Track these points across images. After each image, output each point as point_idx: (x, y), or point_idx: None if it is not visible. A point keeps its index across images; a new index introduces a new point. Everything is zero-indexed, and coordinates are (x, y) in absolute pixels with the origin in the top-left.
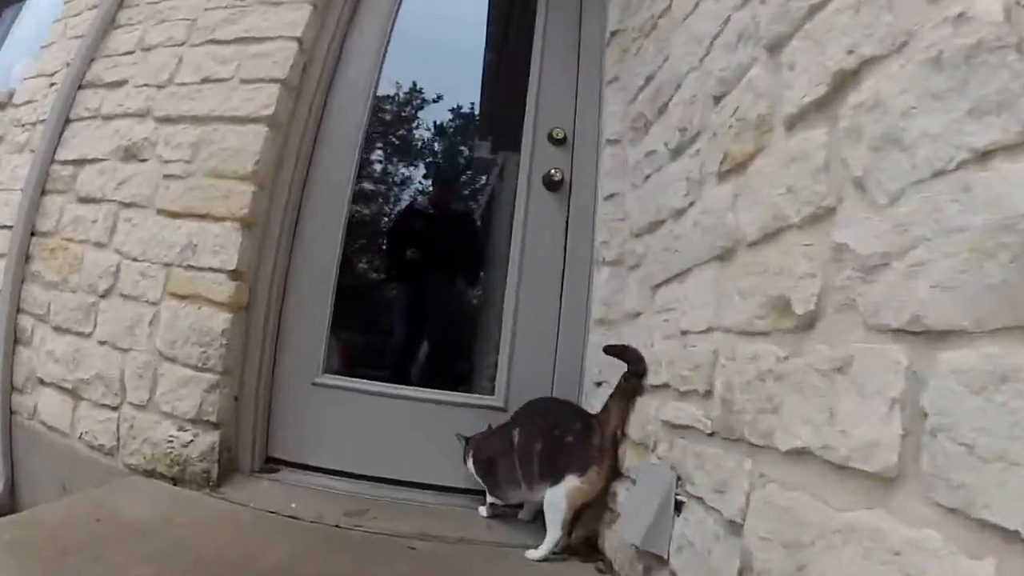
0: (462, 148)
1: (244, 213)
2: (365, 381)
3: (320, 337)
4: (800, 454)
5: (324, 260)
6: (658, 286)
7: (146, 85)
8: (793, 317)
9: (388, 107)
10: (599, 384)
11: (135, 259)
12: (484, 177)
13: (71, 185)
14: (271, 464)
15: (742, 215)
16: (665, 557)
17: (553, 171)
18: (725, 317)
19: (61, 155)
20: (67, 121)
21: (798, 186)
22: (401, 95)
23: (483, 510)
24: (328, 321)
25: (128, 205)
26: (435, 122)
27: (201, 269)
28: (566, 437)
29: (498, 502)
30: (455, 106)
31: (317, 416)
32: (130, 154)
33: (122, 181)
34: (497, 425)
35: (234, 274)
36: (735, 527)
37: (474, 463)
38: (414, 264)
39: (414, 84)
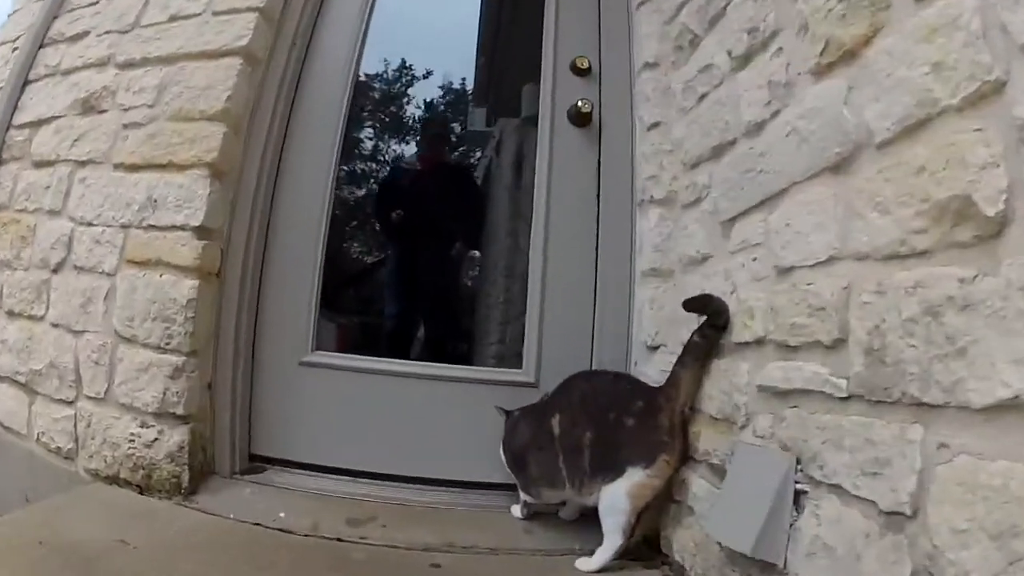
0: (455, 124)
1: (213, 158)
2: (364, 358)
3: (308, 307)
4: (1008, 409)
5: (310, 217)
6: (733, 220)
7: (108, 32)
8: (975, 224)
9: (377, 85)
10: (655, 348)
11: (89, 224)
12: (479, 151)
13: (26, 150)
14: (255, 463)
15: (865, 111)
16: (781, 565)
17: (580, 103)
18: (856, 241)
19: (18, 119)
20: (26, 83)
21: (949, 61)
22: (390, 72)
23: (516, 510)
24: (316, 287)
25: (83, 164)
26: (425, 100)
27: (162, 228)
28: (625, 420)
29: (532, 501)
30: (447, 83)
31: (308, 403)
32: (88, 106)
33: (78, 138)
34: (530, 404)
35: (201, 232)
36: (898, 520)
37: (504, 450)
38: (403, 228)
39: (403, 61)
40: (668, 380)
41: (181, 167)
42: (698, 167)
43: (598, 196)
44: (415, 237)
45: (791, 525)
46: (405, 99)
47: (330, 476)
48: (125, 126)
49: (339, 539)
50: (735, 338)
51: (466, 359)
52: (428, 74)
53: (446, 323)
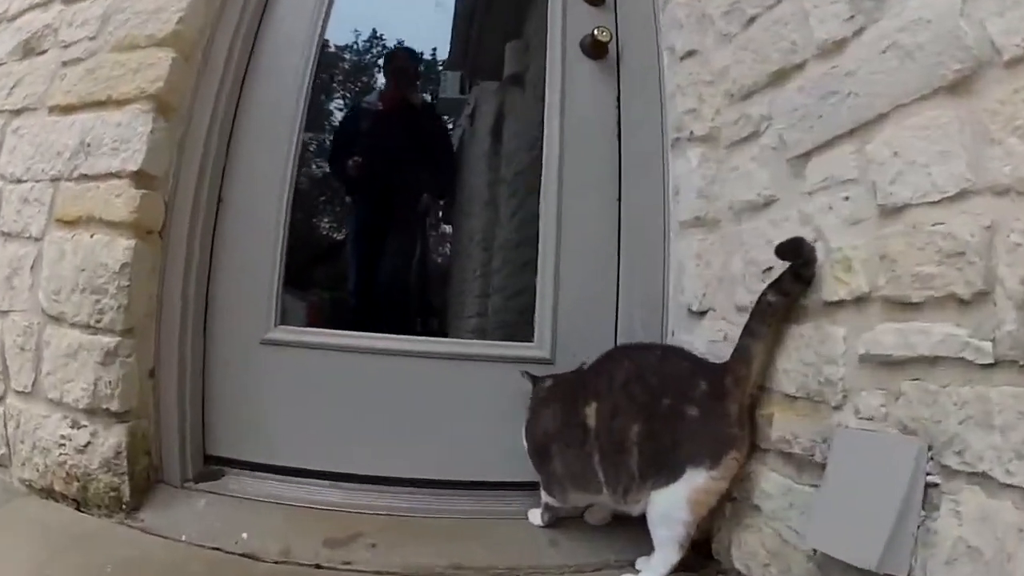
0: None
1: (159, 88)
2: (339, 333)
3: (270, 273)
4: None
5: (275, 164)
6: (808, 154)
7: None
8: None
9: (347, 56)
10: (701, 313)
11: (19, 180)
12: (453, 120)
13: None
14: (211, 467)
15: (987, 24)
16: None
17: (597, 31)
18: (995, 172)
19: None
20: None
21: None
22: (360, 43)
23: (536, 516)
24: (281, 250)
25: (18, 112)
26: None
27: (95, 178)
28: (685, 409)
29: (555, 504)
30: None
31: (273, 390)
32: (28, 48)
33: (15, 84)
34: (562, 374)
35: (139, 178)
36: None
37: (526, 436)
38: (363, 178)
39: (374, 31)
40: (736, 354)
41: (121, 103)
42: (750, 98)
43: (619, 136)
44: (377, 188)
45: (918, 527)
46: (376, 68)
47: (303, 481)
48: (64, 64)
49: (317, 566)
50: (824, 296)
51: (442, 331)
52: (400, 43)
53: (415, 290)
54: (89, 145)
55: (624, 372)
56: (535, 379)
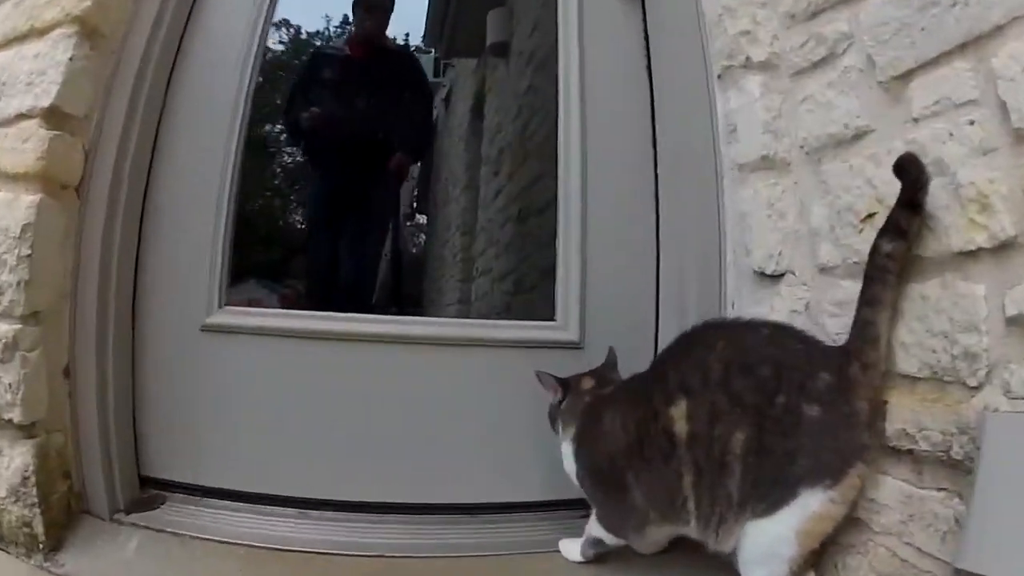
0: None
1: (86, 9)
2: (301, 314)
3: (213, 241)
4: None
5: (222, 110)
6: (909, 75)
7: None
8: None
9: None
10: (776, 277)
11: None
12: None
13: None
14: (148, 491)
15: None
16: None
17: None
18: None
19: None
20: None
21: None
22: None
23: (573, 549)
24: (227, 214)
25: None
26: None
27: (5, 122)
28: (804, 408)
29: (610, 541)
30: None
31: (221, 391)
32: None
33: None
34: (597, 373)
35: (52, 117)
36: None
37: (577, 457)
38: (321, 135)
39: (345, 17)
40: (858, 332)
41: (43, 31)
42: (820, 16)
43: (649, 73)
44: (341, 146)
45: None
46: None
47: (264, 511)
48: None
49: None
50: (953, 245)
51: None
52: None
53: (391, 266)
54: (4, 84)
55: (722, 359)
56: (564, 383)
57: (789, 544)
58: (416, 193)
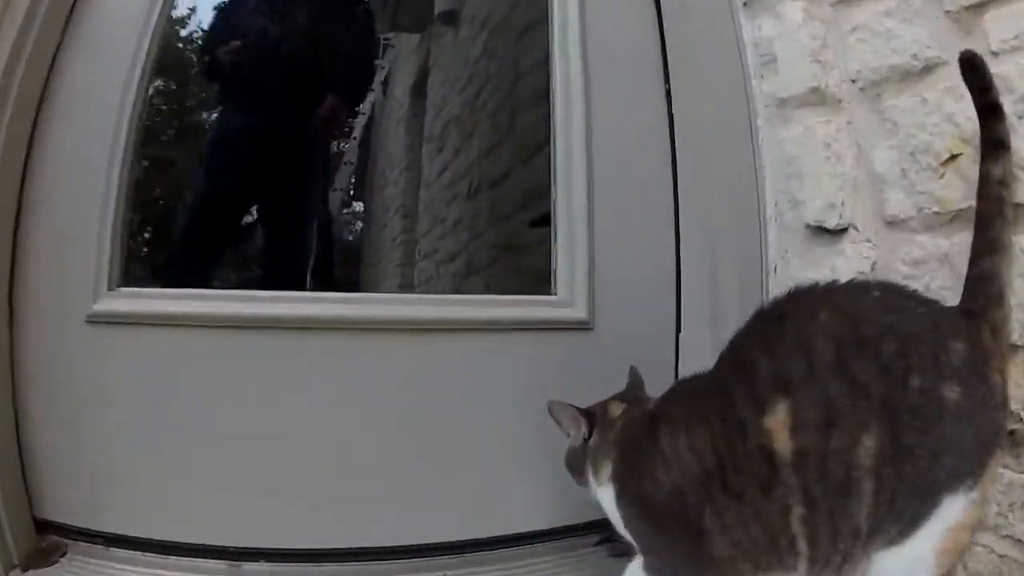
0: None
1: None
2: (220, 294)
3: (104, 208)
4: None
5: (123, 47)
6: (982, 5)
7: None
8: None
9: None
10: (837, 232)
11: None
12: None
13: None
14: (47, 539)
15: None
16: None
17: None
18: None
19: None
20: None
21: None
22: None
23: None
24: (122, 177)
25: None
26: None
27: None
28: (943, 391)
29: None
30: None
31: (113, 403)
32: None
33: None
34: (626, 397)
35: None
36: None
37: (621, 496)
38: (243, 72)
39: None
40: (981, 287)
41: None
42: None
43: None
44: (265, 87)
45: None
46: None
47: (180, 565)
48: None
49: None
50: None
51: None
52: None
53: (320, 234)
54: None
55: (829, 334)
56: (588, 413)
57: (928, 570)
58: (353, 180)
